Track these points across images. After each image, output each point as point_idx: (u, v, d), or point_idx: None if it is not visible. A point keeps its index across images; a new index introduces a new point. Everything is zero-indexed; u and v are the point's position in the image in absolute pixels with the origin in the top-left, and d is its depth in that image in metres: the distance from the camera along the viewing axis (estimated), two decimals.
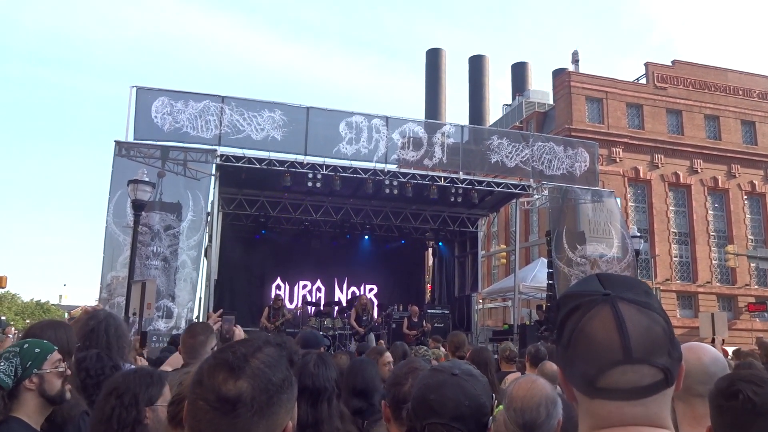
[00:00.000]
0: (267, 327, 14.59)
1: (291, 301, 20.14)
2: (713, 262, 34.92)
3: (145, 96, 14.15)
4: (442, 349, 7.86)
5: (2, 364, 2.30)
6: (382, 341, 13.73)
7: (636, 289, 1.09)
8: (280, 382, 1.19)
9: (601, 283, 1.10)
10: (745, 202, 36.36)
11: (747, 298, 33.94)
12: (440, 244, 21.73)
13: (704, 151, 35.50)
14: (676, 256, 34.73)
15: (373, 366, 3.67)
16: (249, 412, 1.13)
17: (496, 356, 6.77)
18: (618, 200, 19.59)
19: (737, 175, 36.01)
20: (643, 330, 1.03)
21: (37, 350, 2.38)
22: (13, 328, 20.10)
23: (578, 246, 16.34)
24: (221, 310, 5.56)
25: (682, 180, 35.12)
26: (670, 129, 35.72)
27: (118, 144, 13.81)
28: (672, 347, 1.05)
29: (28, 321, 63.60)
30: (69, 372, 2.48)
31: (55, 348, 2.46)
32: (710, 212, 35.64)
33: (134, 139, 13.97)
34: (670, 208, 35.04)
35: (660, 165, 34.88)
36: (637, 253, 17.94)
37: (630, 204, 34.14)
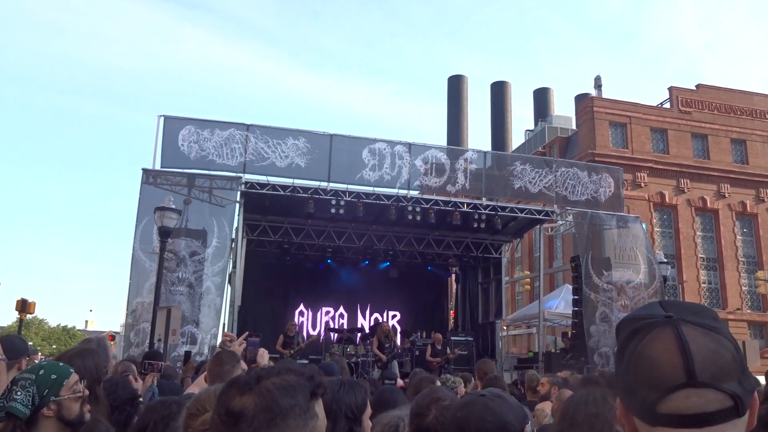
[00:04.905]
0: (282, 354, 14.49)
1: (314, 327, 20.13)
2: (743, 288, 34.18)
3: (172, 125, 14.40)
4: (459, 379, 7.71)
5: (19, 393, 2.27)
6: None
7: (702, 314, 1.02)
8: (288, 407, 1.23)
9: (663, 307, 1.04)
10: None
11: None
12: (463, 270, 21.60)
13: (731, 176, 35.03)
14: (704, 282, 34.07)
15: (400, 393, 3.65)
16: (248, 428, 1.19)
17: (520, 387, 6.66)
18: (644, 225, 19.33)
19: (766, 200, 35.39)
20: (708, 353, 0.96)
21: (54, 377, 2.35)
22: (39, 354, 20.32)
23: (604, 272, 16.11)
24: (246, 333, 5.60)
25: (709, 205, 34.61)
26: (695, 153, 35.33)
27: (146, 172, 14.05)
28: (743, 376, 0.97)
29: (54, 346, 64.39)
30: (87, 393, 2.47)
31: (72, 370, 2.44)
32: (739, 237, 34.99)
33: (161, 167, 14.18)
34: (698, 233, 34.48)
35: (686, 190, 34.45)
36: (665, 279, 17.64)
37: (656, 229, 33.68)
